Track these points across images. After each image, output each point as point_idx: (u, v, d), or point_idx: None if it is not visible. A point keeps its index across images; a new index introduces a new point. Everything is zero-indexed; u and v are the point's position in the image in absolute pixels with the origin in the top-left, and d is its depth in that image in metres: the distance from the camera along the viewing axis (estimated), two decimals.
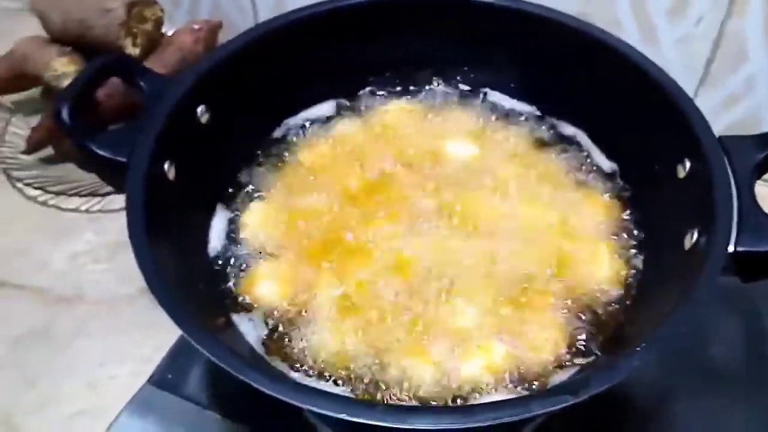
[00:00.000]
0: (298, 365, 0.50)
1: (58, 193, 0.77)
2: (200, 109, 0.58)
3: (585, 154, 0.64)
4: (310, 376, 0.50)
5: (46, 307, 0.69)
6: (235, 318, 0.53)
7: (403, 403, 0.48)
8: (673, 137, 0.54)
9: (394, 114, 0.67)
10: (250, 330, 0.52)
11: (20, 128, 0.84)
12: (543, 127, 0.66)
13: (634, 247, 0.57)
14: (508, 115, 0.67)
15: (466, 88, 0.69)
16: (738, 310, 0.66)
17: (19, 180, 0.79)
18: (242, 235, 0.58)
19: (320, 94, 0.68)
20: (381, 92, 0.69)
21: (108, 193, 0.77)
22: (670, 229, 0.52)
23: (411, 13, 0.65)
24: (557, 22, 0.62)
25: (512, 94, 0.68)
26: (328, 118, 0.67)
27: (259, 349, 0.51)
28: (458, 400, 0.48)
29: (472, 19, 0.65)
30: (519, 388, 0.49)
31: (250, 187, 0.62)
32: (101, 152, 0.52)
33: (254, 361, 0.49)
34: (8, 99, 0.87)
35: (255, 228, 0.58)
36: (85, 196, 0.77)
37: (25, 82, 0.83)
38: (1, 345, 0.66)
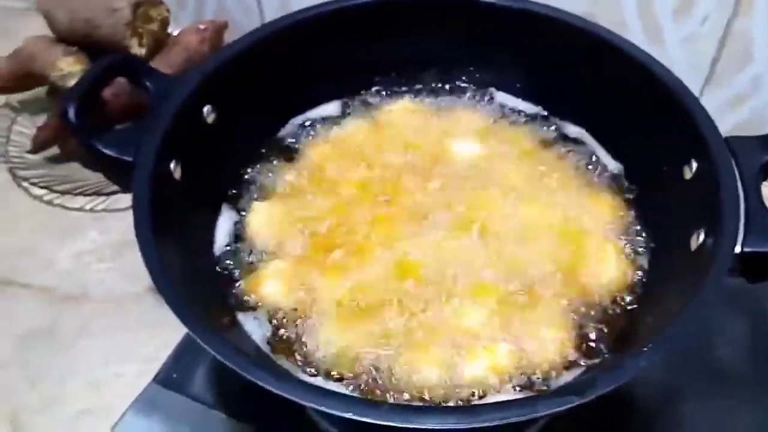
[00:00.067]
0: (303, 364, 0.50)
1: (63, 192, 0.78)
2: (206, 108, 0.58)
3: (591, 154, 0.63)
4: (316, 375, 0.50)
5: (51, 306, 0.69)
6: (241, 317, 0.53)
7: (409, 402, 0.48)
8: (680, 137, 0.54)
9: (400, 114, 0.67)
10: (256, 329, 0.52)
11: (26, 127, 0.84)
12: (548, 127, 0.66)
13: (640, 247, 0.57)
14: (513, 115, 0.67)
15: (472, 87, 0.69)
16: (745, 311, 0.65)
17: (25, 179, 0.79)
18: (247, 234, 0.58)
19: (326, 93, 0.68)
20: (386, 92, 0.69)
21: (113, 193, 0.77)
22: (677, 229, 0.52)
23: (417, 13, 0.65)
24: (563, 22, 0.62)
25: (518, 94, 0.68)
26: (334, 118, 0.67)
27: (265, 348, 0.51)
28: (463, 401, 0.48)
29: (477, 19, 0.65)
30: (524, 389, 0.49)
31: (256, 186, 0.62)
32: (107, 151, 0.53)
33: (260, 360, 0.49)
34: (14, 98, 0.87)
35: (260, 227, 0.58)
36: (90, 195, 0.77)
37: (31, 81, 0.83)
38: (7, 344, 0.66)
